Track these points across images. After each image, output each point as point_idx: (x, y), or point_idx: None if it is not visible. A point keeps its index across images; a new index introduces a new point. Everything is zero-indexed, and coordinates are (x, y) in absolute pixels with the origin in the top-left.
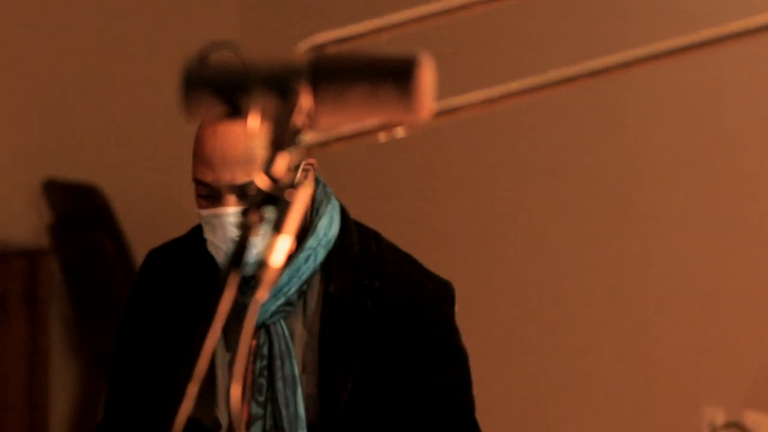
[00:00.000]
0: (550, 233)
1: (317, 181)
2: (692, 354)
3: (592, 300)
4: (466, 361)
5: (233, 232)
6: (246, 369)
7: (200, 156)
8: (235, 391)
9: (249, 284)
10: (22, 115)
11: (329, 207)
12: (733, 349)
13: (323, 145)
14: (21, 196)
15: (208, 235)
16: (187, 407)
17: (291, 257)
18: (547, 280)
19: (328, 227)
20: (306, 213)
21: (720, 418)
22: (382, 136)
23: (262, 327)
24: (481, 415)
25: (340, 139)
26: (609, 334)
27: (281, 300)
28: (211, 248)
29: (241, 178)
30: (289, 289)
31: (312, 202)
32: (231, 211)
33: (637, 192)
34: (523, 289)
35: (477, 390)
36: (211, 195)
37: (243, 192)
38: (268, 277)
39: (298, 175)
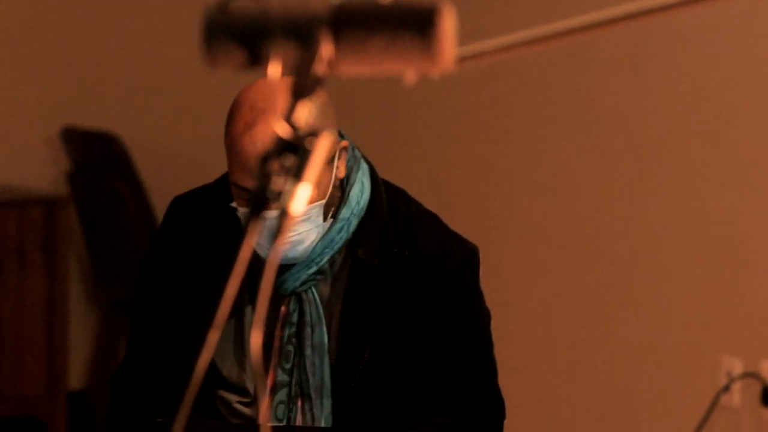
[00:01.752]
0: (568, 182)
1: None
2: (710, 304)
3: (610, 251)
4: (488, 325)
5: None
6: (273, 335)
7: (239, 161)
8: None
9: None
10: (41, 64)
11: (359, 173)
12: (751, 299)
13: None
14: (39, 144)
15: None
16: (207, 355)
17: (325, 231)
18: (564, 231)
19: (360, 195)
20: (339, 182)
21: (737, 368)
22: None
23: (293, 294)
24: (502, 374)
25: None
26: (627, 285)
27: (313, 269)
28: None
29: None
30: (322, 259)
31: (347, 179)
32: (273, 215)
33: (655, 140)
34: (540, 240)
35: (498, 349)
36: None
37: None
38: (287, 224)
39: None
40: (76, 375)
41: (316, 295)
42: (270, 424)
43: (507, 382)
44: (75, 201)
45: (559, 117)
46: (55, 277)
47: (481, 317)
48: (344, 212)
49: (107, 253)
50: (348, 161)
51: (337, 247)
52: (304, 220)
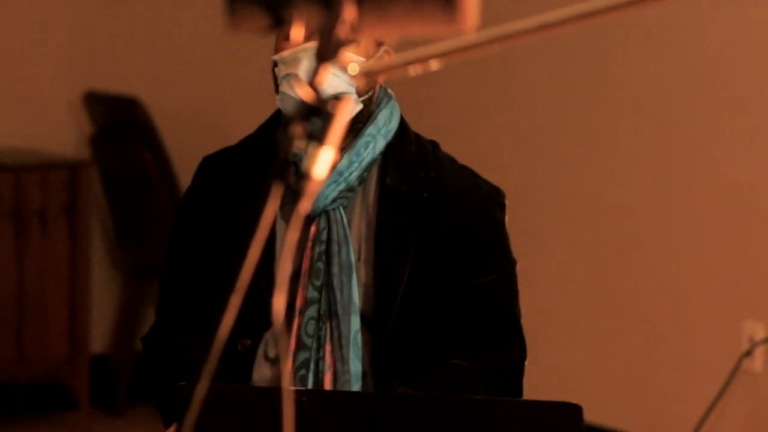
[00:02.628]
0: (596, 145)
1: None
2: (733, 269)
3: (635, 216)
4: (514, 268)
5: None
6: (304, 254)
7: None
8: (278, 302)
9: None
10: (63, 28)
11: (390, 103)
12: None
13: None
14: (62, 108)
15: (284, 88)
16: (230, 318)
17: (351, 143)
18: (591, 195)
19: (389, 119)
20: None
21: (759, 332)
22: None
23: (322, 213)
24: (526, 322)
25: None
26: (651, 250)
27: (342, 185)
28: (284, 102)
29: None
30: (350, 174)
31: (372, 98)
32: (312, 45)
33: (681, 107)
34: (566, 204)
35: (522, 298)
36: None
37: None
38: (311, 188)
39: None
40: (98, 339)
41: (343, 215)
42: (293, 388)
43: (529, 332)
44: (97, 165)
45: (586, 83)
46: (78, 241)
47: (508, 257)
48: (371, 129)
49: (129, 216)
50: (379, 94)
51: (364, 163)
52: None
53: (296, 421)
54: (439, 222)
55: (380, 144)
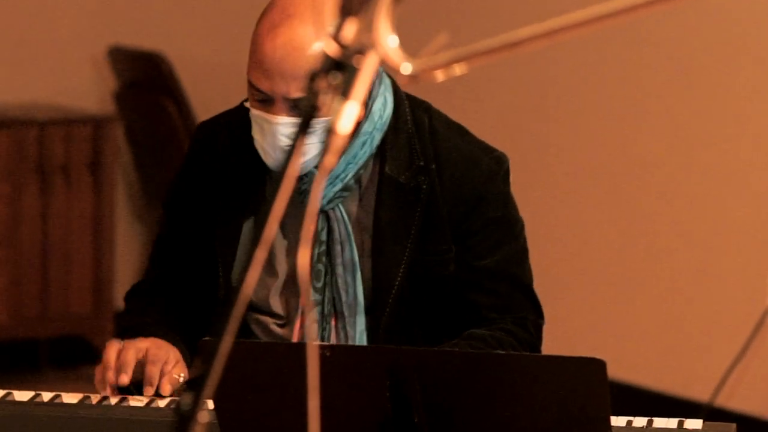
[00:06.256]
0: (618, 99)
1: None
2: (758, 222)
3: (658, 169)
4: (522, 232)
5: (283, 141)
6: None
7: (257, 61)
8: (304, 257)
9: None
10: None
11: (382, 87)
12: None
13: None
14: (86, 63)
15: (256, 135)
16: (255, 272)
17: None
18: (615, 153)
19: (383, 109)
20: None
21: None
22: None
23: (320, 213)
24: (539, 285)
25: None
26: (675, 203)
27: (338, 186)
28: (258, 148)
29: (296, 93)
30: (346, 175)
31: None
32: (283, 121)
33: (694, 75)
34: (590, 154)
35: (533, 258)
36: (264, 100)
37: (297, 106)
38: (336, 143)
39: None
40: (122, 294)
41: (344, 213)
42: (317, 343)
43: (551, 288)
44: (122, 120)
45: (597, 55)
46: (102, 196)
47: (515, 226)
48: (366, 126)
49: (154, 171)
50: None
51: (361, 162)
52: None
53: (320, 375)
54: (440, 212)
55: (377, 138)
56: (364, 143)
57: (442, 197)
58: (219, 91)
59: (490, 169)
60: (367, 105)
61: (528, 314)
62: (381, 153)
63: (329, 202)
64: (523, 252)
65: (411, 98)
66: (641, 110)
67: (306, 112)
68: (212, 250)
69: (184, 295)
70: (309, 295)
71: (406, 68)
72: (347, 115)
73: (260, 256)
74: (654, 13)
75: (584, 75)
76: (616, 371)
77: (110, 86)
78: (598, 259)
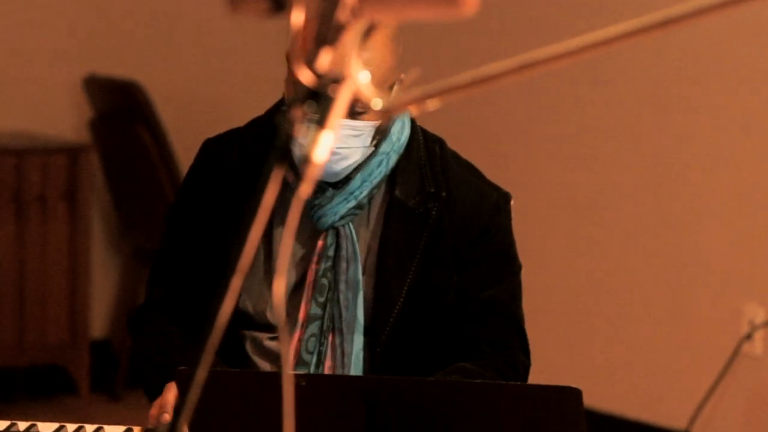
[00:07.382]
0: (588, 137)
1: None
2: (733, 253)
3: (633, 201)
4: (519, 271)
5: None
6: (308, 267)
7: None
8: (279, 287)
9: (323, 190)
10: (64, 11)
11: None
12: None
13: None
14: (62, 91)
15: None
16: (231, 300)
17: (364, 161)
18: (586, 185)
19: (401, 132)
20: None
21: (760, 316)
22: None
23: (330, 228)
24: (528, 324)
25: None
26: (651, 234)
27: (352, 203)
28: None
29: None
30: (361, 193)
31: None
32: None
33: (676, 93)
34: (566, 190)
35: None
36: None
37: (353, 111)
38: (312, 172)
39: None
40: (98, 323)
41: (353, 231)
42: (292, 372)
43: (532, 332)
44: (98, 148)
45: (583, 70)
46: (78, 225)
47: (514, 263)
48: (384, 146)
49: (130, 201)
50: None
51: (375, 181)
52: (355, 135)
53: (296, 404)
54: (446, 239)
55: (392, 160)
56: (380, 163)
57: (449, 225)
58: (194, 121)
59: (497, 203)
60: (386, 125)
61: (519, 354)
62: (392, 177)
63: (341, 218)
64: (519, 291)
65: (425, 131)
66: (615, 148)
67: (281, 140)
68: (220, 264)
69: (189, 313)
70: (283, 323)
71: (377, 104)
72: (322, 144)
73: (236, 284)
74: (630, 44)
75: (566, 113)
76: (592, 400)
77: (86, 115)
78: (574, 289)
